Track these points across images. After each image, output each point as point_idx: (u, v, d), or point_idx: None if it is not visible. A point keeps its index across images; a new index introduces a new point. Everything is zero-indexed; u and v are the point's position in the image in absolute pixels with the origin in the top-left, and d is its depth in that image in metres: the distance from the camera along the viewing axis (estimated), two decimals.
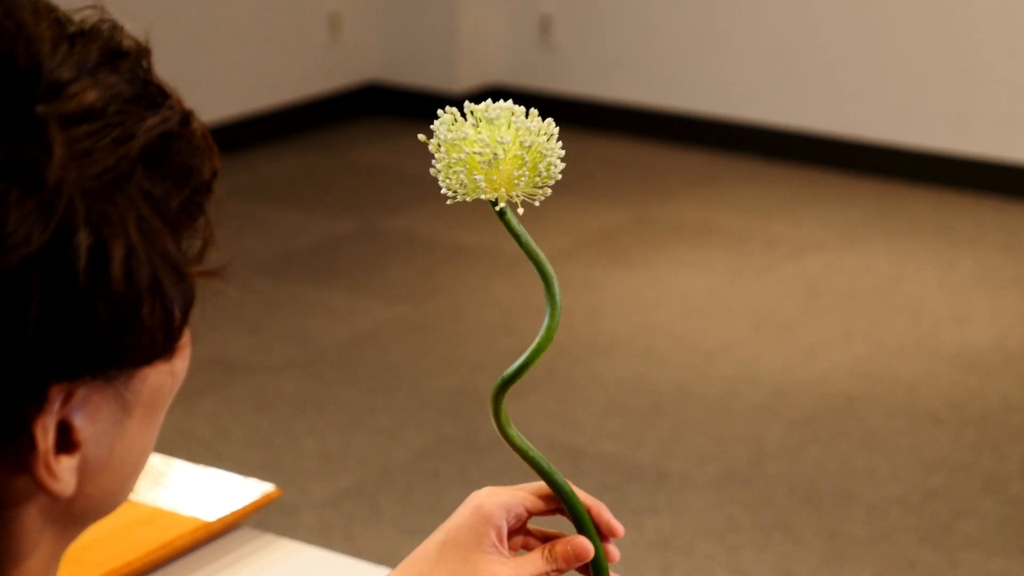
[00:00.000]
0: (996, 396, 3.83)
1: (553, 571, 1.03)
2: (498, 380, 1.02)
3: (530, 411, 3.68)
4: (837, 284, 4.58)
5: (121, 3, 0.74)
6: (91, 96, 0.67)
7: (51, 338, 0.65)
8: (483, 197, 0.96)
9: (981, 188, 5.38)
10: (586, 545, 1.03)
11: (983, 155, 5.41)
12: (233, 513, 1.51)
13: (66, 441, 0.69)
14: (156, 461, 1.59)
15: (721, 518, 3.27)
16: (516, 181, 0.95)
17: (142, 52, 0.72)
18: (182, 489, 1.55)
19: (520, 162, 0.94)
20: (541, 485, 1.05)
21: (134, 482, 0.77)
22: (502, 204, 0.96)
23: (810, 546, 3.17)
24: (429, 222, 5.09)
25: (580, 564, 1.03)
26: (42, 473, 0.68)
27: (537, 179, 0.96)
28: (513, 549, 1.04)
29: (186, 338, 0.75)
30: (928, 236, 4.98)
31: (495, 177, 0.95)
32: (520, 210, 0.98)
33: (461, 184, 0.95)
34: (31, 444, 0.67)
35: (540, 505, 1.04)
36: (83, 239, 0.64)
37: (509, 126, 0.94)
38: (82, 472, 0.71)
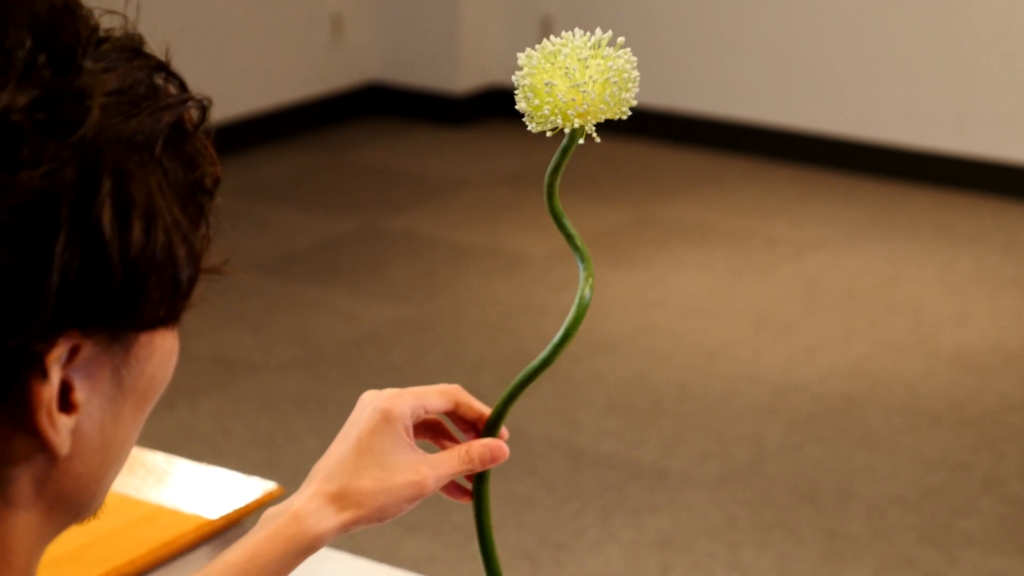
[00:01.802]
0: (995, 396, 3.83)
1: (467, 471, 1.07)
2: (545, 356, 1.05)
3: (531, 410, 3.69)
4: (837, 284, 4.58)
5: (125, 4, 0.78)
6: (123, 78, 0.73)
7: (72, 275, 0.69)
8: (571, 124, 0.99)
9: (981, 188, 5.39)
10: (504, 448, 1.07)
11: (983, 155, 5.41)
12: (235, 511, 1.51)
13: (66, 401, 0.73)
14: (159, 459, 1.59)
15: (721, 517, 3.27)
16: (592, 108, 0.99)
17: (162, 57, 0.77)
18: (185, 487, 1.55)
19: (589, 93, 0.99)
20: (436, 387, 1.08)
21: (114, 476, 0.80)
22: (590, 130, 1.00)
23: (810, 544, 3.17)
24: (430, 222, 5.09)
25: (493, 465, 1.08)
26: (43, 420, 0.71)
27: (608, 105, 1.00)
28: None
29: (175, 340, 0.79)
30: (928, 236, 4.98)
31: (584, 105, 0.99)
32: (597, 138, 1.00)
33: (539, 120, 0.99)
34: (36, 395, 0.71)
35: (438, 404, 1.08)
36: (108, 187, 0.70)
37: (594, 58, 1.00)
38: (75, 441, 0.74)
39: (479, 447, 1.07)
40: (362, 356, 4.06)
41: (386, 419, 1.05)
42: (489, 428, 1.08)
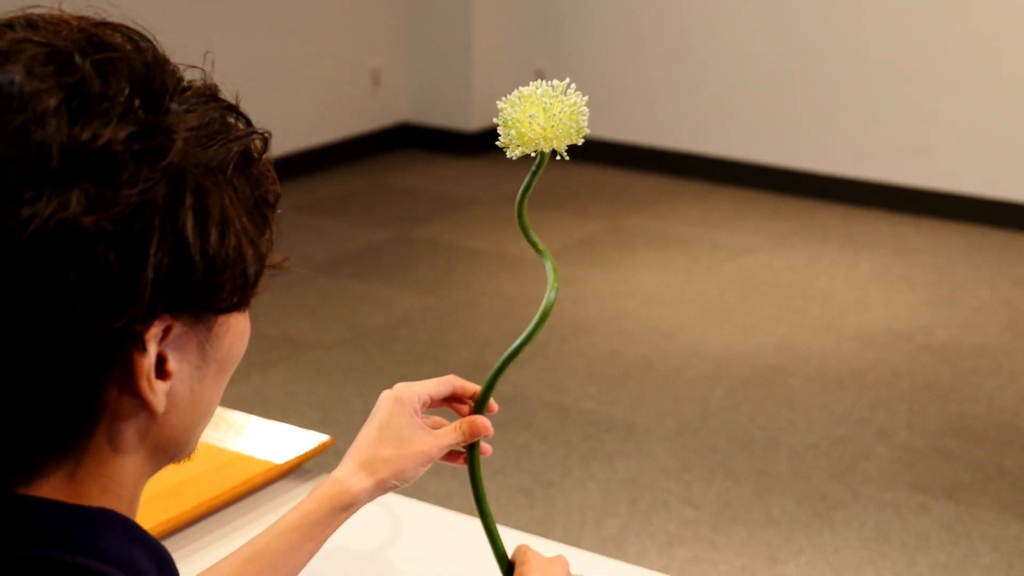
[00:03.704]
0: (887, 366, 3.83)
1: (461, 442, 1.08)
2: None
3: (528, 378, 3.68)
4: (766, 280, 4.57)
5: (216, 65, 0.78)
6: (202, 117, 0.73)
7: (164, 270, 0.69)
8: (539, 149, 1.00)
9: (879, 206, 5.38)
10: (486, 425, 1.09)
11: (880, 179, 5.40)
12: (297, 457, 1.51)
13: (161, 370, 0.73)
14: (238, 417, 1.59)
15: (676, 461, 3.27)
16: (562, 134, 1.00)
17: (232, 101, 0.77)
18: (258, 439, 1.55)
19: (563, 122, 1.00)
20: (436, 378, 1.10)
21: (203, 427, 0.80)
22: (558, 149, 1.00)
23: (745, 482, 3.17)
24: (450, 231, 5.09)
25: (479, 438, 1.09)
26: (144, 385, 0.71)
27: (573, 132, 1.00)
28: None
29: (247, 321, 0.78)
30: (837, 242, 4.98)
31: (549, 136, 1.00)
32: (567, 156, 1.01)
33: (526, 143, 1.00)
34: (138, 365, 0.71)
35: (441, 392, 1.10)
36: (190, 202, 0.70)
37: (554, 101, 1.00)
38: (170, 401, 0.74)
39: (467, 424, 1.09)
40: (396, 336, 4.05)
41: (399, 403, 1.08)
42: (479, 406, 1.10)
